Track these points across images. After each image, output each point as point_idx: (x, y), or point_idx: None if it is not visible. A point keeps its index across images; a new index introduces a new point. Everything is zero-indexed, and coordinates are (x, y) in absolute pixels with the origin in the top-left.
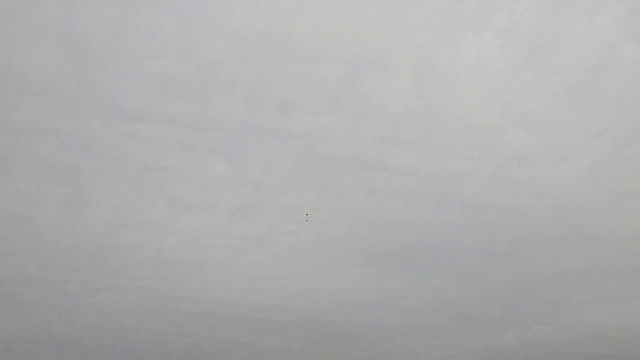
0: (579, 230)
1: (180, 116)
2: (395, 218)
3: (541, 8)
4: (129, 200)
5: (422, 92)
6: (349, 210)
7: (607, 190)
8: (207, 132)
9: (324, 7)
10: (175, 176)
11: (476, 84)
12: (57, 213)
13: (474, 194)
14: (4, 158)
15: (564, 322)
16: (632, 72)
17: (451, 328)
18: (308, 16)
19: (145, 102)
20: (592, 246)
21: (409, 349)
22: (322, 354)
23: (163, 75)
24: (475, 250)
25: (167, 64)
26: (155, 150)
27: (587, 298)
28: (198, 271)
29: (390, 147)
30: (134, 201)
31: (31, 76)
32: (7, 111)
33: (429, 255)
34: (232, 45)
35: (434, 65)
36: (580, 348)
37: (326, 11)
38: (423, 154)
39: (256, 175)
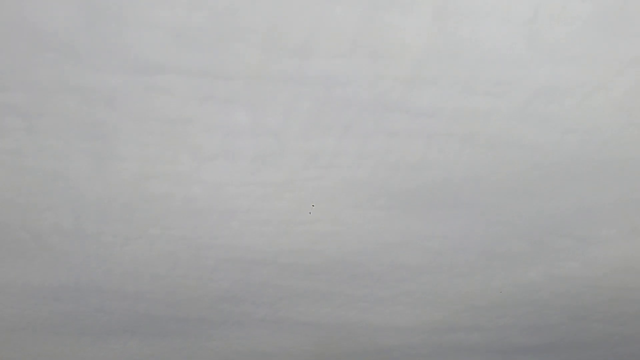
0: (608, 165)
1: (196, 66)
2: (417, 159)
3: None
4: (153, 152)
5: (443, 28)
6: (371, 154)
7: (639, 122)
8: (224, 81)
9: None
10: (196, 127)
11: (500, 16)
12: (86, 167)
13: (498, 132)
14: (31, 116)
15: (591, 257)
16: None
17: (476, 266)
18: None
19: (161, 53)
20: (621, 180)
21: (434, 287)
22: (348, 294)
23: (177, 25)
24: (500, 188)
25: (180, 13)
26: (174, 101)
27: (616, 232)
28: (225, 219)
29: (411, 87)
30: (158, 153)
31: (47, 32)
32: (27, 69)
33: (452, 195)
34: None
35: None
36: (607, 282)
37: None
38: (445, 93)
39: (276, 122)
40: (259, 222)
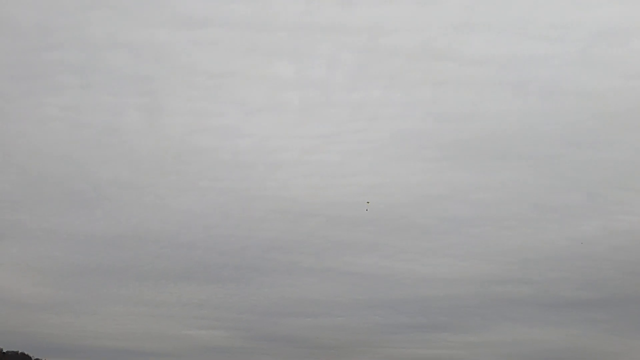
0: None
1: (240, 18)
2: (467, 109)
3: None
4: (200, 106)
5: None
6: (418, 104)
7: None
8: (268, 33)
9: None
10: (242, 80)
11: None
12: (138, 122)
13: (554, 79)
14: (86, 72)
15: None
16: None
17: (527, 219)
18: None
19: (205, 7)
20: None
21: (483, 239)
22: (394, 245)
23: None
24: (555, 138)
25: None
26: (219, 55)
27: None
28: (272, 171)
29: (460, 33)
30: (206, 107)
31: None
32: (82, 26)
33: (504, 145)
34: None
35: None
36: None
37: None
38: (497, 39)
39: (321, 73)
40: (305, 175)
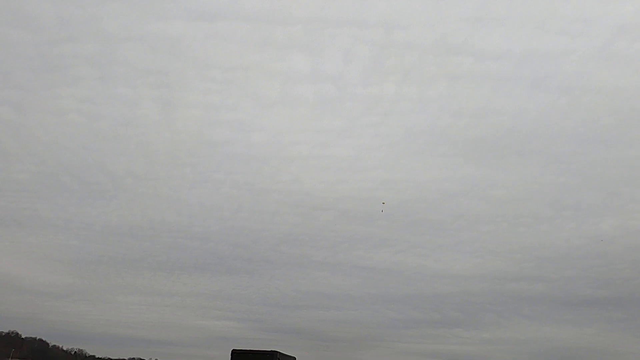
0: None
1: (255, 12)
2: (483, 105)
3: None
4: (215, 99)
5: None
6: (433, 99)
7: None
8: (283, 27)
9: None
10: (256, 73)
11: None
12: (154, 114)
13: (573, 75)
14: (103, 65)
15: None
16: None
17: (542, 216)
18: None
19: (220, 0)
20: None
21: (497, 236)
22: (407, 240)
23: None
24: (573, 136)
25: None
26: (234, 48)
27: None
28: (285, 165)
29: (477, 28)
30: (220, 100)
31: None
32: (98, 19)
33: (520, 142)
34: None
35: None
36: None
37: None
38: (515, 34)
39: (335, 67)
40: (318, 169)
